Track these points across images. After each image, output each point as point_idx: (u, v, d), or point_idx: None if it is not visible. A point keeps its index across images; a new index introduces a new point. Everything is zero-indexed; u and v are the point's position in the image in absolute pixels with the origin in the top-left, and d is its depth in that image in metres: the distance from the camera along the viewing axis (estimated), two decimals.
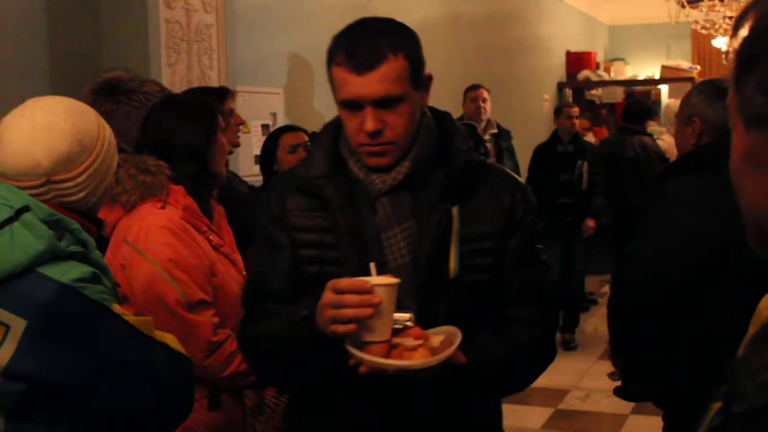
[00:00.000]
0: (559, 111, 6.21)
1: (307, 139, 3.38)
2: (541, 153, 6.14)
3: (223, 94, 2.87)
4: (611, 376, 2.37)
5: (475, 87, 5.55)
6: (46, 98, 1.61)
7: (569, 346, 6.06)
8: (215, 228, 2.21)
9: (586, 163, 5.99)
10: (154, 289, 2.01)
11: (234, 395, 2.14)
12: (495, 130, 5.53)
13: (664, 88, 10.47)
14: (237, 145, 2.93)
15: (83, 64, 3.56)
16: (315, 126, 3.92)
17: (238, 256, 2.25)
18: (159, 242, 2.04)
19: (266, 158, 3.38)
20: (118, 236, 2.06)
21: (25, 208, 1.47)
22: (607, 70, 10.84)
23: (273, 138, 3.43)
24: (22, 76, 3.41)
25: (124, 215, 2.08)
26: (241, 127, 2.99)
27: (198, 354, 1.99)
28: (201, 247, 2.10)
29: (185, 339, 1.83)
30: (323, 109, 4.88)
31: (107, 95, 2.45)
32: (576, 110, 6.22)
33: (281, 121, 4.79)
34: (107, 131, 1.63)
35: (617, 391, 2.30)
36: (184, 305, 2.02)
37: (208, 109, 2.23)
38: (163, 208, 2.09)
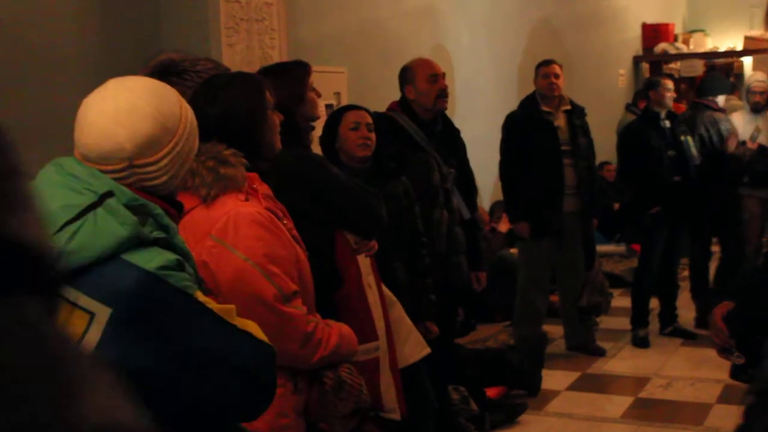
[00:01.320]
0: (655, 84, 5.67)
1: (371, 119, 3.30)
2: (642, 131, 5.60)
3: (305, 69, 2.90)
4: (724, 354, 2.19)
5: (546, 62, 5.28)
6: (128, 79, 1.60)
7: (642, 341, 5.74)
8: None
9: (690, 138, 5.65)
10: (249, 287, 2.00)
11: (312, 376, 2.19)
12: (568, 107, 5.30)
13: (747, 60, 10.06)
14: (316, 118, 2.93)
15: (142, 47, 3.54)
16: (380, 106, 3.86)
17: (296, 234, 2.24)
18: (251, 237, 2.01)
19: (328, 137, 3.31)
20: (197, 229, 2.01)
21: (109, 194, 1.48)
22: (686, 42, 10.47)
23: (336, 115, 3.36)
24: (79, 61, 3.38)
25: (201, 206, 2.05)
26: (319, 98, 2.97)
27: (293, 345, 2.04)
28: (287, 236, 2.09)
29: (282, 332, 1.90)
30: (389, 88, 4.78)
31: (160, 78, 2.39)
32: (671, 83, 5.83)
33: (345, 100, 4.71)
34: (189, 112, 1.62)
35: (736, 372, 2.16)
36: (281, 299, 2.03)
37: (255, 86, 2.20)
38: (247, 200, 2.05)
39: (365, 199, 2.75)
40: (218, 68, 2.42)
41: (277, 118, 2.22)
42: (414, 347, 3.04)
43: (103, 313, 1.43)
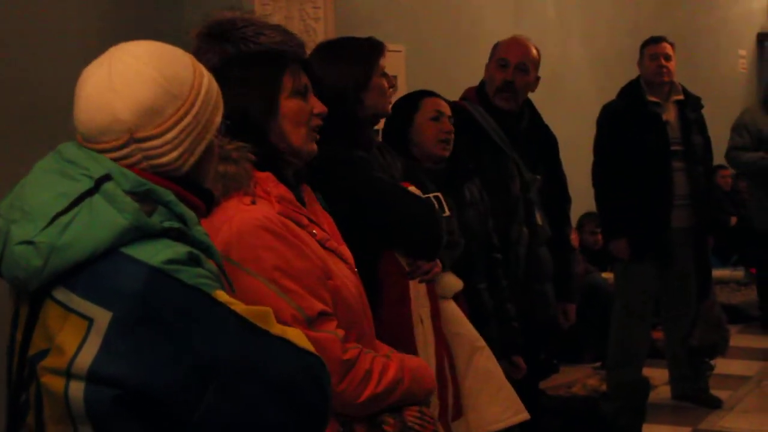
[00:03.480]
0: None
1: (450, 111, 3.26)
2: None
3: (374, 48, 2.81)
4: None
5: (655, 40, 5.22)
6: (132, 43, 1.64)
7: None
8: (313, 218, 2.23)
9: None
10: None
11: (369, 423, 2.14)
12: (680, 96, 5.22)
13: None
14: (385, 113, 2.88)
15: (160, 10, 3.61)
16: (446, 93, 3.77)
17: (345, 249, 2.25)
18: (258, 247, 2.01)
19: (398, 124, 3.24)
20: None
21: (106, 178, 1.51)
22: None
23: (411, 99, 3.30)
24: (83, 27, 3.40)
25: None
26: (391, 90, 2.91)
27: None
28: (309, 246, 2.08)
29: None
30: (457, 72, 4.74)
31: (214, 43, 2.39)
32: None
33: (403, 86, 4.69)
34: (205, 79, 1.66)
35: None
36: (303, 322, 2.00)
37: (270, 67, 2.20)
38: (253, 203, 2.06)
39: (418, 210, 2.70)
40: (289, 42, 2.38)
41: (300, 106, 2.18)
42: (504, 409, 2.93)
43: (103, 317, 1.45)
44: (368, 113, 2.75)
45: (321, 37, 3.97)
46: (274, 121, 2.15)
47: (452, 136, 3.20)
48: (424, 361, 2.63)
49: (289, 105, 2.16)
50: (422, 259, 2.71)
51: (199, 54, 2.36)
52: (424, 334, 2.70)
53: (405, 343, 2.62)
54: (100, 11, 3.50)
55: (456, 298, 2.98)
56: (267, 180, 2.10)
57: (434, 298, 2.77)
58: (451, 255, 2.95)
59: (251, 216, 2.02)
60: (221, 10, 2.44)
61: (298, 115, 2.17)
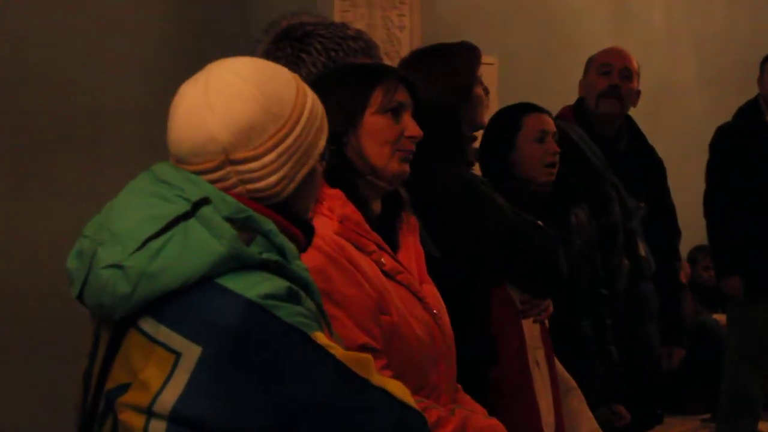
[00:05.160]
0: None
1: (555, 127, 3.18)
2: None
3: (473, 54, 2.75)
4: None
5: None
6: (231, 58, 1.67)
7: None
8: (398, 249, 2.21)
9: None
10: None
11: None
12: None
13: None
14: (482, 126, 2.81)
15: (230, 19, 3.68)
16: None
17: (429, 288, 2.23)
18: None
19: (496, 144, 3.16)
20: None
21: (204, 201, 1.53)
22: None
23: (510, 117, 3.20)
24: (145, 29, 3.46)
25: None
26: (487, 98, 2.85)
27: None
28: (365, 273, 2.07)
29: None
30: (552, 86, 4.66)
31: (285, 45, 2.44)
32: None
33: (495, 101, 4.63)
34: (309, 99, 1.68)
35: None
36: None
37: (360, 79, 2.19)
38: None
39: (540, 242, 2.67)
40: (368, 50, 2.40)
41: (388, 125, 2.16)
42: None
43: (191, 353, 1.47)
44: (470, 127, 2.70)
45: (406, 47, 3.98)
46: (354, 136, 2.15)
47: (557, 158, 3.11)
48: (545, 410, 2.67)
49: (373, 121, 2.15)
50: (540, 296, 2.70)
51: (267, 57, 2.40)
52: (541, 379, 2.70)
53: (525, 392, 2.62)
54: (163, 12, 3.56)
55: None
56: (334, 198, 2.10)
57: (547, 339, 2.76)
58: None
59: None
60: (298, 13, 2.45)
61: (382, 134, 2.16)
